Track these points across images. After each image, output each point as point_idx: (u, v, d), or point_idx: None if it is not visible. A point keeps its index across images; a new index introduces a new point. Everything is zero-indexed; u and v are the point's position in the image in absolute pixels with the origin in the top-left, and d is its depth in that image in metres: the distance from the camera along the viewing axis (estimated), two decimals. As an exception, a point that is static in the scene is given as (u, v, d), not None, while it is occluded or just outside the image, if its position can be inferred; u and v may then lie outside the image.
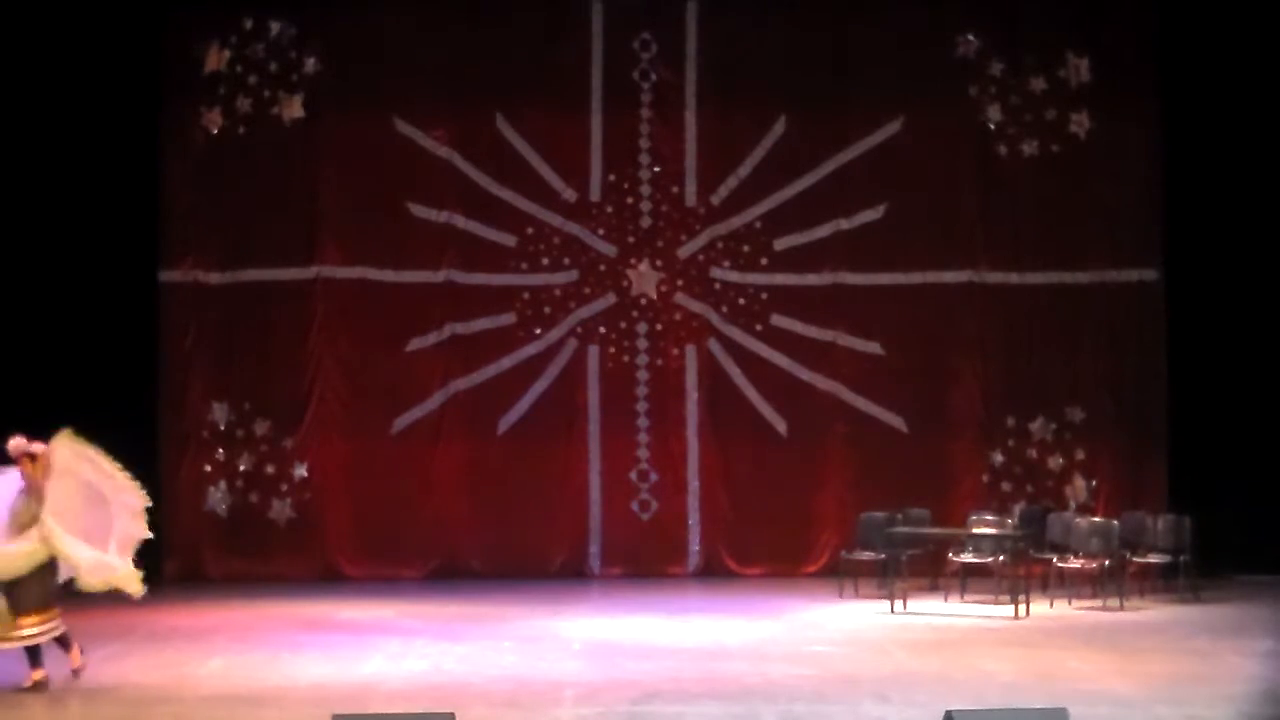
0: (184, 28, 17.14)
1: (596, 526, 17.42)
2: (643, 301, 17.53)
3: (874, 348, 17.46)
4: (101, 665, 12.27)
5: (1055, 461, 17.40)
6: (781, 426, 17.43)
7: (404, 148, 17.32)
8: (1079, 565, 15.47)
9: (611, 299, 17.52)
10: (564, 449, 17.44)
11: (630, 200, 17.55)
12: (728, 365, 17.47)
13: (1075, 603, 15.24)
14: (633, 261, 17.53)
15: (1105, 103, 17.36)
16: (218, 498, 17.16)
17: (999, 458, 17.42)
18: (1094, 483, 17.24)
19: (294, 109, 17.26)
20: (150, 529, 12.37)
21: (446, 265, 17.39)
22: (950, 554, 15.94)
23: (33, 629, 11.46)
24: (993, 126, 17.44)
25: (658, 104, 17.58)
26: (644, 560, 17.37)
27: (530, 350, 17.41)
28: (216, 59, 17.18)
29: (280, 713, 10.64)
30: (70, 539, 11.47)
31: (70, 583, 11.76)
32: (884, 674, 11.83)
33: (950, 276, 17.49)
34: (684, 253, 17.54)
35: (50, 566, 11.55)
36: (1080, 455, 17.37)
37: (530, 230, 17.45)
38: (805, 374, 17.45)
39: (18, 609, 11.44)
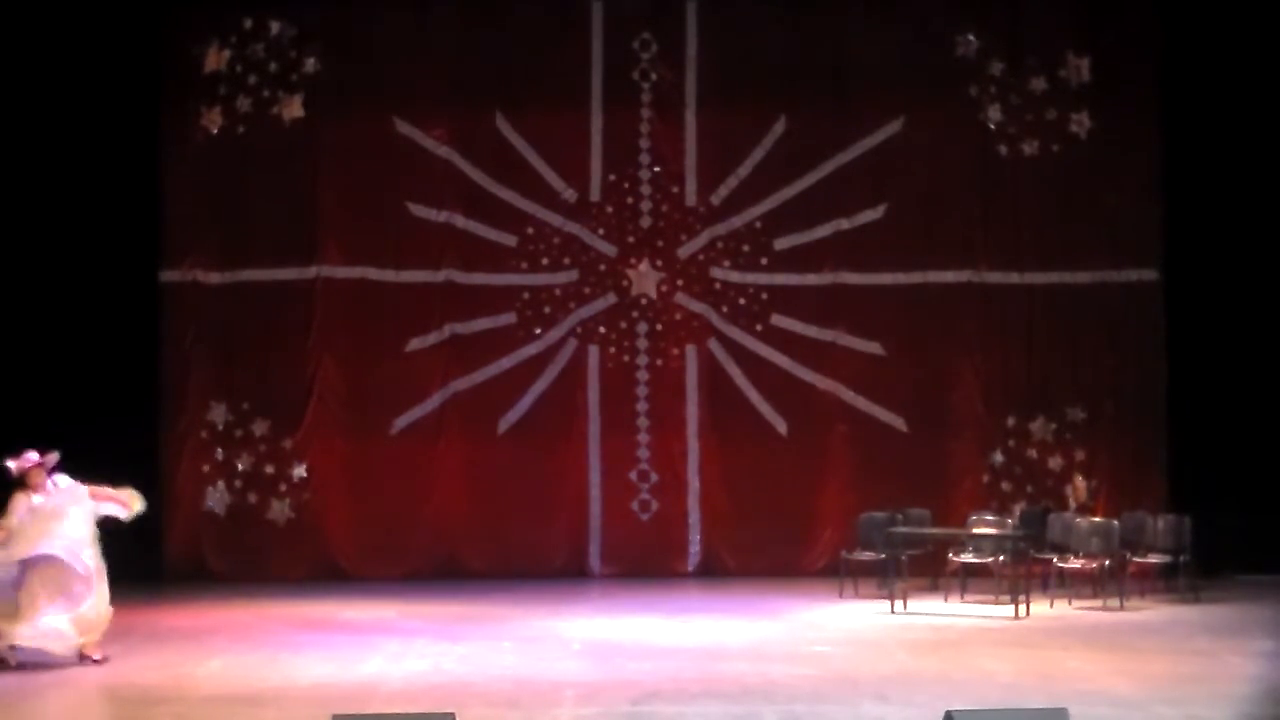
0: (184, 28, 17.13)
1: (596, 526, 17.42)
2: (643, 301, 17.53)
3: (874, 348, 17.46)
4: (101, 665, 12.28)
5: (1055, 461, 17.40)
6: (781, 426, 17.43)
7: (404, 148, 17.32)
8: (1079, 565, 15.46)
9: (611, 299, 17.52)
10: (564, 449, 17.44)
11: (630, 200, 17.55)
12: (728, 365, 17.47)
13: (1075, 603, 15.24)
14: (633, 261, 17.53)
15: (1105, 103, 17.36)
16: (216, 498, 17.16)
17: (999, 458, 17.42)
18: (1094, 483, 17.25)
19: (294, 109, 17.25)
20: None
21: (446, 265, 17.39)
22: (950, 554, 15.93)
23: None
24: (993, 126, 17.44)
25: (658, 104, 17.58)
26: (644, 560, 17.37)
27: (530, 350, 17.41)
28: (216, 59, 17.17)
29: (280, 713, 10.63)
30: None
31: None
32: (884, 674, 11.82)
33: (950, 276, 17.50)
34: (684, 253, 17.54)
35: None
36: (1080, 455, 17.38)
37: (530, 230, 17.45)
38: (805, 374, 17.45)
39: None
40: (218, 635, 13.56)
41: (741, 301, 17.50)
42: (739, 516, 17.37)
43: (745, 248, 17.52)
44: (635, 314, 17.53)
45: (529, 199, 17.42)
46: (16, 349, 16.18)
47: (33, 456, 12.42)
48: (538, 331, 17.44)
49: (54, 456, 12.53)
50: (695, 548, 17.45)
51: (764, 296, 17.51)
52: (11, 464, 12.42)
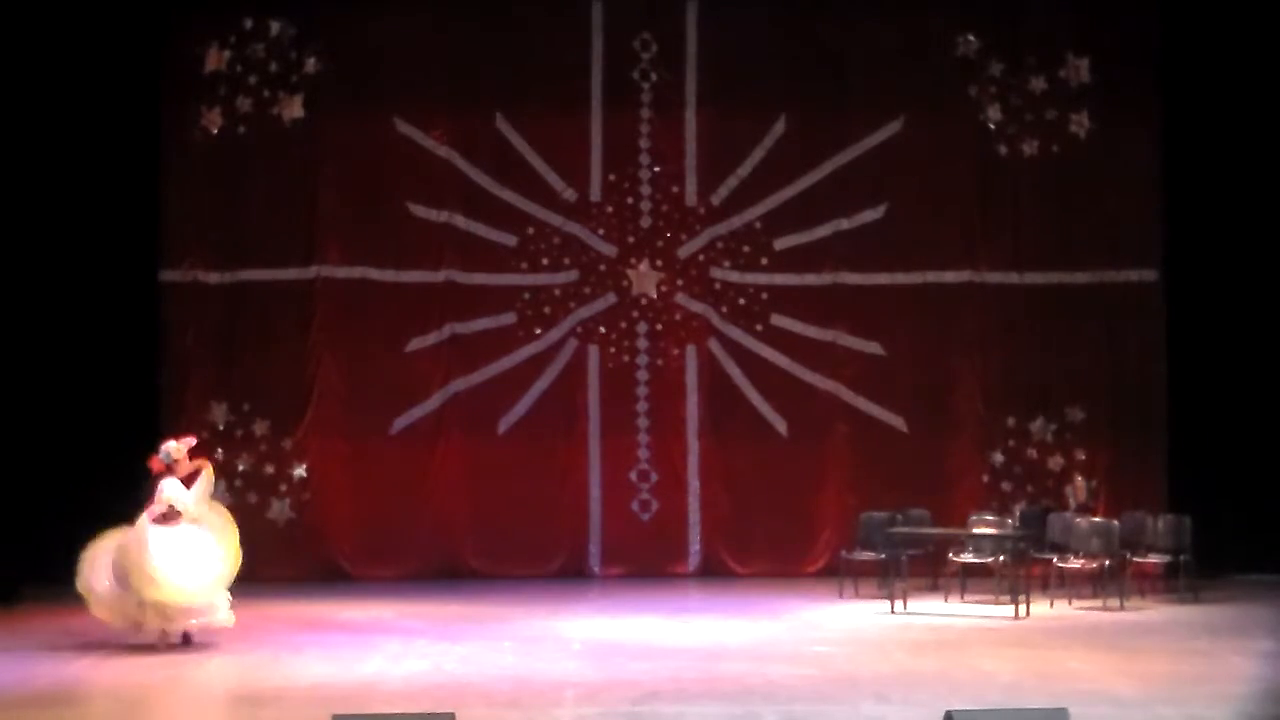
0: (184, 28, 17.11)
1: (596, 526, 17.41)
2: (643, 301, 17.53)
3: (874, 348, 17.46)
4: (101, 665, 12.29)
5: (1055, 461, 17.40)
6: (782, 426, 17.43)
7: (404, 148, 17.31)
8: (1079, 565, 15.47)
9: (611, 299, 17.52)
10: (564, 449, 17.43)
11: (630, 200, 17.56)
12: (728, 365, 17.47)
13: (1075, 603, 15.24)
14: (633, 261, 17.53)
15: (1105, 103, 17.36)
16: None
17: (999, 458, 17.42)
18: (1094, 483, 17.24)
19: (294, 109, 17.25)
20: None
21: (446, 265, 17.38)
22: (950, 554, 15.94)
23: None
24: (993, 126, 17.44)
25: (658, 104, 17.58)
26: (644, 560, 17.37)
27: (530, 350, 17.41)
28: (216, 59, 17.16)
29: (280, 713, 10.64)
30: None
31: None
32: (884, 674, 11.83)
33: (950, 276, 17.50)
34: (684, 253, 17.54)
35: None
36: (1080, 455, 17.37)
37: (530, 230, 17.45)
38: (805, 374, 17.45)
39: None
40: (218, 635, 13.54)
41: (741, 301, 17.50)
42: (739, 516, 17.37)
43: (745, 248, 17.52)
44: (635, 314, 17.53)
45: (529, 199, 17.41)
46: (17, 349, 16.16)
47: (174, 444, 13.26)
48: (538, 331, 17.44)
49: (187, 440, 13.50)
50: (695, 547, 17.45)
51: (764, 296, 17.51)
52: (170, 452, 13.14)
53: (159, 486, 13.11)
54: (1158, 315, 17.31)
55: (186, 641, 13.02)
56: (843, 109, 17.47)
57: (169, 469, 13.19)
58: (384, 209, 17.31)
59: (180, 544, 12.99)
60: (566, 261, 17.49)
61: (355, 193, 17.32)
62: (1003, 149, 17.45)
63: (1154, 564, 15.70)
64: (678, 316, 17.53)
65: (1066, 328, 17.44)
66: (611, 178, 17.54)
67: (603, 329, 17.50)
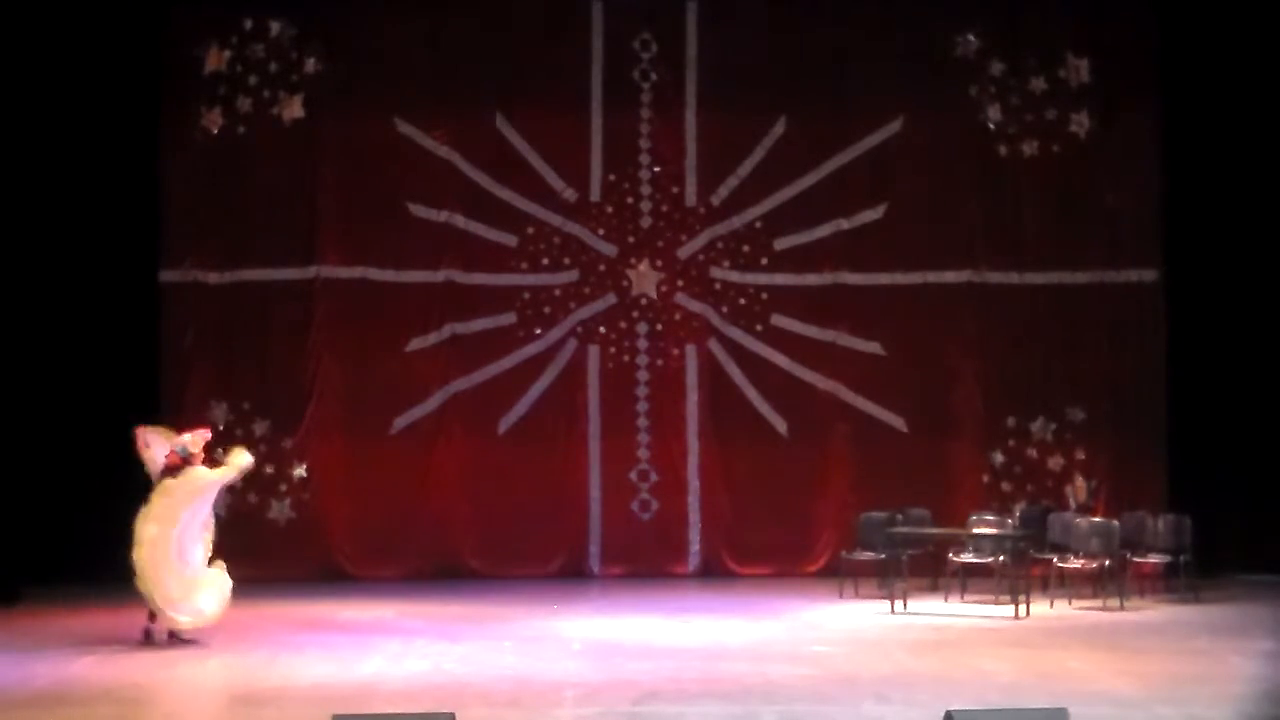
0: (184, 28, 17.11)
1: (596, 526, 17.41)
2: (643, 301, 17.53)
3: (874, 348, 17.46)
4: (101, 665, 12.29)
5: (1055, 461, 17.40)
6: (782, 426, 17.43)
7: (404, 148, 17.31)
8: (1079, 565, 15.47)
9: (611, 299, 17.52)
10: (564, 449, 17.43)
11: (630, 200, 17.56)
12: (728, 365, 17.47)
13: (1075, 603, 15.24)
14: (633, 261, 17.53)
15: (1105, 103, 17.36)
16: (217, 498, 17.10)
17: (999, 458, 17.42)
18: (1094, 483, 17.24)
19: (294, 109, 17.25)
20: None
21: (446, 265, 17.38)
22: (950, 554, 15.93)
23: None
24: (993, 126, 17.44)
25: (658, 104, 17.58)
26: (644, 560, 17.37)
27: (530, 350, 17.41)
28: (216, 59, 17.16)
29: (280, 713, 10.64)
30: None
31: None
32: (884, 674, 11.83)
33: (950, 276, 17.50)
34: (684, 253, 17.54)
35: None
36: (1080, 455, 17.37)
37: (530, 230, 17.45)
38: (805, 374, 17.45)
39: None
40: (218, 635, 13.55)
41: (741, 301, 17.50)
42: (739, 516, 17.37)
43: (745, 248, 17.52)
44: (635, 314, 17.53)
45: (529, 199, 17.41)
46: (17, 349, 16.16)
47: (189, 437, 13.50)
48: (538, 331, 17.44)
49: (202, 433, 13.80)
50: (695, 547, 17.45)
51: (764, 296, 17.51)
52: (186, 445, 13.40)
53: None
54: (1158, 315, 17.31)
55: (177, 638, 13.00)
56: (843, 109, 17.47)
57: (185, 462, 13.25)
58: (384, 209, 17.30)
59: (199, 568, 13.09)
60: (566, 261, 17.49)
61: (355, 193, 17.31)
62: (1003, 149, 17.45)
63: (1154, 564, 15.70)
64: (678, 316, 17.53)
65: (1066, 327, 17.44)
66: (611, 178, 17.54)
67: (603, 329, 17.50)
